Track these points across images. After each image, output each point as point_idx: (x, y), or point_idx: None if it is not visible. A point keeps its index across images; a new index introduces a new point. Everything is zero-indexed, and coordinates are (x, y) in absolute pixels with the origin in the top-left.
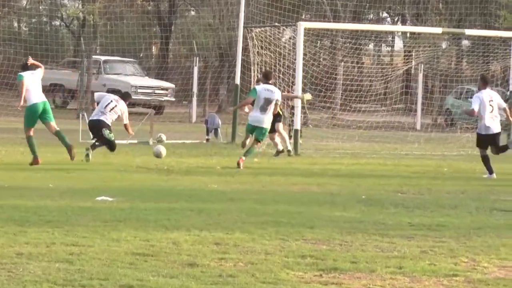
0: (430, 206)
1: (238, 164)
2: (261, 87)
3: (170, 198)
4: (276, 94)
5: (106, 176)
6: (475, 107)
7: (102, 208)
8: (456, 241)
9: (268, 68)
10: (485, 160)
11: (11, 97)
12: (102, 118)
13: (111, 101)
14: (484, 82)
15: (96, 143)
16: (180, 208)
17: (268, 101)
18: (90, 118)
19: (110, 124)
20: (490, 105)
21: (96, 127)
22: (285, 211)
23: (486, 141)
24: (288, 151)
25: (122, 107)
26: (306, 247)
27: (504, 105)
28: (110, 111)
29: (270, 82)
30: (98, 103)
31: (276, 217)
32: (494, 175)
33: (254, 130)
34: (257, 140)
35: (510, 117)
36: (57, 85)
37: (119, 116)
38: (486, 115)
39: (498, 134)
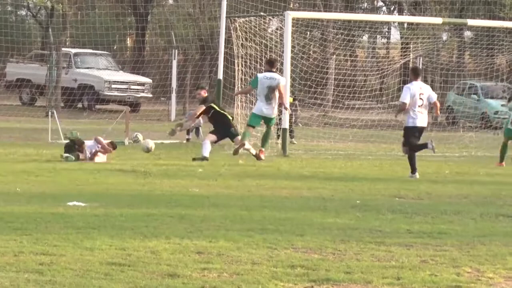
0: (430, 212)
1: (259, 157)
2: (262, 75)
3: (148, 204)
4: (278, 79)
5: (78, 180)
6: (406, 100)
7: (74, 214)
8: (458, 250)
9: (253, 62)
10: (411, 158)
11: None
12: None
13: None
14: (415, 74)
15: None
16: (159, 214)
17: (271, 89)
18: None
19: None
20: (420, 98)
21: None
22: (273, 217)
23: (415, 134)
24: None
25: None
26: (296, 256)
27: (435, 98)
28: None
29: (274, 70)
30: None
31: (263, 224)
32: (417, 175)
33: (263, 120)
34: (269, 126)
35: (438, 111)
36: (24, 80)
37: None
38: (416, 108)
39: (423, 129)
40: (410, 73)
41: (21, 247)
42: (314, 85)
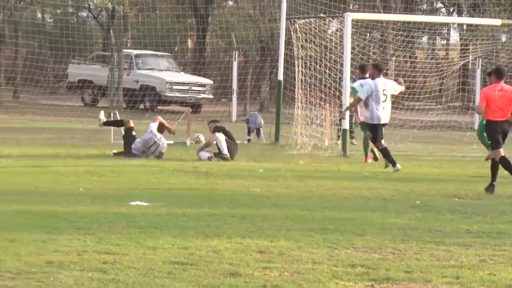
0: (489, 212)
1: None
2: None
3: (209, 203)
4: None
5: (140, 180)
6: (363, 95)
7: (137, 214)
8: None
9: (313, 63)
10: (386, 152)
11: (37, 94)
12: None
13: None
14: (378, 70)
15: None
16: (220, 214)
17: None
18: None
19: None
20: (384, 94)
21: None
22: (333, 217)
23: (381, 130)
24: None
25: None
26: (356, 256)
27: (400, 88)
28: None
29: (366, 76)
30: None
31: (323, 224)
32: (399, 166)
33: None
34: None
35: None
36: (85, 82)
37: None
38: (380, 104)
39: (385, 124)
40: (373, 70)
41: (84, 246)
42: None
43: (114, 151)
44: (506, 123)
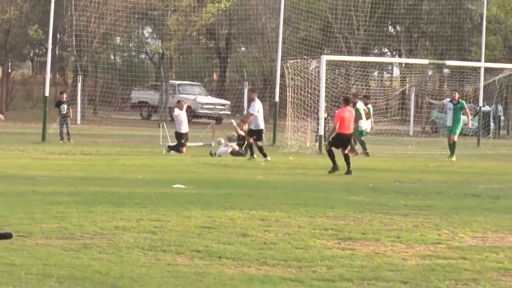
0: (420, 192)
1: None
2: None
3: (227, 186)
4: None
5: (180, 170)
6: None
7: (177, 193)
8: (440, 218)
9: (299, 90)
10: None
11: (110, 111)
12: None
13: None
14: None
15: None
16: (234, 193)
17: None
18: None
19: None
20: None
21: None
22: (313, 196)
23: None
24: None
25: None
26: (328, 222)
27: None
28: None
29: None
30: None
31: (306, 200)
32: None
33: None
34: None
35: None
36: (143, 102)
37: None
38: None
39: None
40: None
41: (141, 216)
42: (340, 106)
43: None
44: (351, 136)
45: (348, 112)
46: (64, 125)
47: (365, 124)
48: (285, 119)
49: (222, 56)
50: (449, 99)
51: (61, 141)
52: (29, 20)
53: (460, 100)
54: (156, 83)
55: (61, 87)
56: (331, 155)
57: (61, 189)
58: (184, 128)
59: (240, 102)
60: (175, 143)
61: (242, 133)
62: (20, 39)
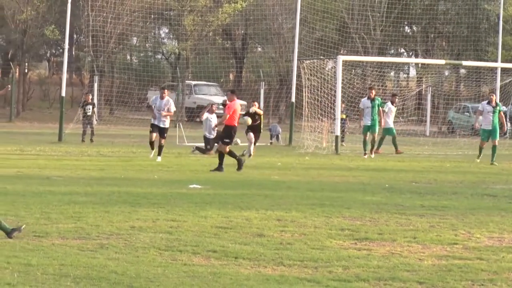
0: (436, 192)
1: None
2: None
3: (243, 186)
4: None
5: (196, 170)
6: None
7: (193, 194)
8: (456, 218)
9: (315, 90)
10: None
11: (126, 111)
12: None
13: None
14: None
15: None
16: (251, 194)
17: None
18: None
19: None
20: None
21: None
22: (329, 196)
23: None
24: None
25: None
26: (344, 223)
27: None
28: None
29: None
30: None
31: (322, 200)
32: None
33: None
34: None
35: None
36: None
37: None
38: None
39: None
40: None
41: (157, 216)
42: (357, 106)
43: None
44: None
45: (239, 106)
46: (88, 126)
47: (391, 122)
48: (301, 120)
49: (238, 56)
50: (486, 102)
51: (82, 142)
52: (45, 21)
53: (497, 102)
54: (173, 83)
55: (78, 87)
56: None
57: (78, 189)
58: (213, 133)
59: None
60: (203, 146)
61: (258, 111)
62: (37, 40)
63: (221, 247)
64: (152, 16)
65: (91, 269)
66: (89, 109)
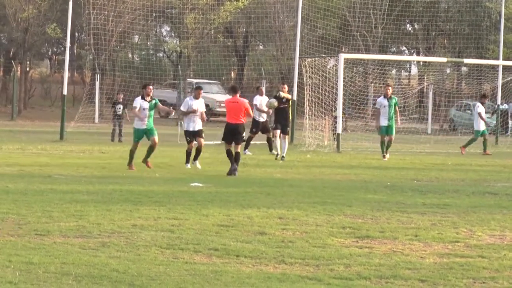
0: (438, 190)
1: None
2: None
3: (245, 184)
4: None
5: (197, 168)
6: None
7: (195, 192)
8: (457, 216)
9: (317, 88)
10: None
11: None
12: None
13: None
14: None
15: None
16: (252, 192)
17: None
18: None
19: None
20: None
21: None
22: (330, 194)
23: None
24: (277, 154)
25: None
26: (346, 221)
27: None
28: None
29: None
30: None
31: (323, 198)
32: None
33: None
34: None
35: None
36: (161, 101)
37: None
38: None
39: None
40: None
41: (159, 214)
42: (358, 104)
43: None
44: (239, 126)
45: (234, 102)
46: (117, 126)
47: (483, 124)
48: (303, 118)
49: (240, 54)
50: (382, 96)
51: (112, 141)
52: (47, 19)
53: (392, 95)
54: (174, 82)
55: (79, 85)
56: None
57: (79, 188)
58: (264, 116)
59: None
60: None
61: (287, 95)
62: (38, 38)
63: (222, 245)
64: (154, 14)
65: (93, 268)
66: (120, 108)
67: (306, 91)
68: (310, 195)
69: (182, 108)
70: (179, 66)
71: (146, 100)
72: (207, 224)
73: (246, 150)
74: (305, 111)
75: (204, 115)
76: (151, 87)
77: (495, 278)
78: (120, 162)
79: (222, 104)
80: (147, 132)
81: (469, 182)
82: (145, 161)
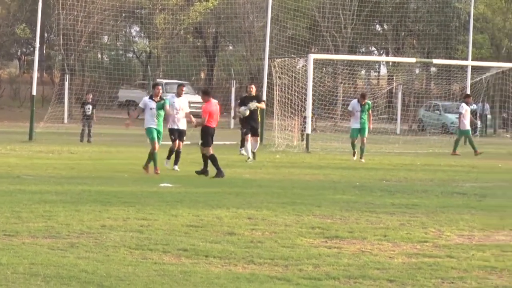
0: (407, 190)
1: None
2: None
3: (215, 185)
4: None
5: (167, 169)
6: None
7: (164, 192)
8: (426, 216)
9: (286, 89)
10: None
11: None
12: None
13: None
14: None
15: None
16: (222, 192)
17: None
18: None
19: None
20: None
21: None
22: (299, 194)
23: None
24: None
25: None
26: (315, 221)
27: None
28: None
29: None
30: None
31: (292, 198)
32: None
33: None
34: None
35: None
36: (130, 101)
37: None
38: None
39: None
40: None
41: (128, 215)
42: (327, 104)
43: None
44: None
45: (215, 106)
46: (86, 126)
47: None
48: (272, 118)
49: (210, 55)
50: (356, 101)
51: (81, 142)
52: (16, 19)
53: (368, 102)
54: (144, 82)
55: (49, 86)
56: (212, 159)
57: (48, 188)
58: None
59: (227, 101)
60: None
61: (261, 106)
62: (8, 38)
63: (191, 246)
64: (123, 14)
65: (62, 268)
66: (89, 108)
67: (276, 91)
68: (279, 196)
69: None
70: (148, 67)
71: (154, 100)
72: (176, 225)
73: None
74: (274, 111)
75: (193, 118)
76: (160, 87)
77: (463, 278)
78: (89, 163)
79: (192, 105)
80: (159, 134)
81: (437, 182)
82: (146, 166)
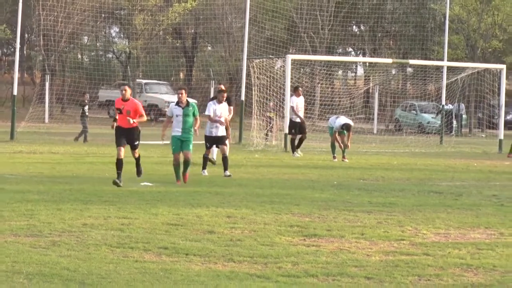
0: (384, 189)
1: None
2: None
3: (194, 184)
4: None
5: (147, 168)
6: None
7: (145, 191)
8: (403, 215)
9: (264, 89)
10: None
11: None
12: None
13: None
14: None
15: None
16: (201, 191)
17: None
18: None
19: None
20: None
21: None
22: (278, 193)
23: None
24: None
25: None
26: (293, 219)
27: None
28: None
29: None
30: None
31: (271, 197)
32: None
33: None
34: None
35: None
36: (111, 101)
37: None
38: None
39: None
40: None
41: (109, 213)
42: (305, 104)
43: None
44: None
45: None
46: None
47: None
48: (251, 118)
49: (189, 55)
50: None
51: (85, 142)
52: None
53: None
54: (123, 82)
55: (29, 86)
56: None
57: (30, 187)
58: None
59: (206, 101)
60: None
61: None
62: None
63: (172, 244)
64: (103, 15)
65: (44, 266)
66: (87, 109)
67: (254, 91)
68: (258, 194)
69: (207, 113)
70: (128, 67)
71: (180, 106)
72: (157, 223)
73: (295, 152)
74: (253, 111)
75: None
76: (183, 91)
77: (440, 275)
78: (70, 162)
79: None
80: (183, 143)
81: (414, 181)
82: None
